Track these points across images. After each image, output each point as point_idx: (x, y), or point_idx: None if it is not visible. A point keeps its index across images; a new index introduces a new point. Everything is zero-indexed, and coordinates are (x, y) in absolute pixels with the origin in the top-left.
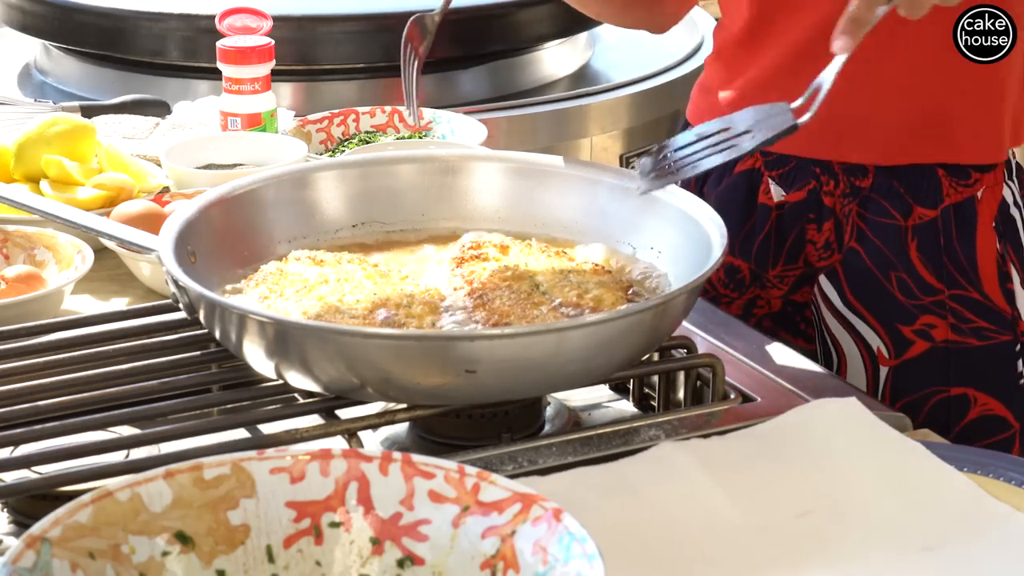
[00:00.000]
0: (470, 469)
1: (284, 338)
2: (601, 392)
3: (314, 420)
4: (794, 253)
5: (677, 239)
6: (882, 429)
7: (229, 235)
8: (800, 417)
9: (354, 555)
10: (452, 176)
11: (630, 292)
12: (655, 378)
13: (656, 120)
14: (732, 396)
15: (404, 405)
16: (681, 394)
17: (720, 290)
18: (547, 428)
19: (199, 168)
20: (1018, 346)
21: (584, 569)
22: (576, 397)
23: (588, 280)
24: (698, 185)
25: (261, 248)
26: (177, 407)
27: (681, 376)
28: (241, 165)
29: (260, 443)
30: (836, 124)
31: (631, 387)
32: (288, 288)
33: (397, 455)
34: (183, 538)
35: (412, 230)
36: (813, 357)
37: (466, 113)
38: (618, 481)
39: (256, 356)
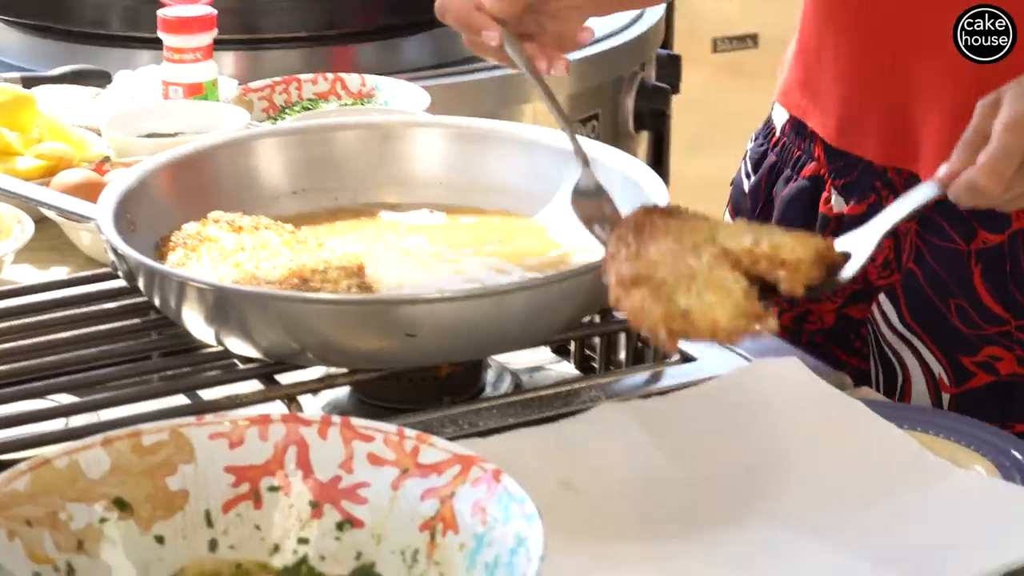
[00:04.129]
0: (409, 432)
1: (223, 304)
2: (542, 354)
3: (254, 386)
4: None
5: (619, 201)
6: (823, 387)
7: (169, 203)
8: (740, 377)
9: (293, 519)
10: (393, 142)
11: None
12: (596, 340)
13: (599, 86)
14: (673, 356)
15: (345, 369)
16: (623, 355)
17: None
18: (488, 391)
19: (140, 137)
20: None
21: (523, 529)
22: (517, 360)
23: (776, 232)
24: (768, 183)
25: (201, 216)
26: (117, 374)
27: (622, 337)
28: (182, 134)
29: (199, 409)
30: (908, 135)
31: (572, 349)
32: (205, 255)
33: (336, 419)
34: (121, 504)
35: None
36: (867, 377)
37: (409, 80)
38: (557, 442)
39: (196, 323)
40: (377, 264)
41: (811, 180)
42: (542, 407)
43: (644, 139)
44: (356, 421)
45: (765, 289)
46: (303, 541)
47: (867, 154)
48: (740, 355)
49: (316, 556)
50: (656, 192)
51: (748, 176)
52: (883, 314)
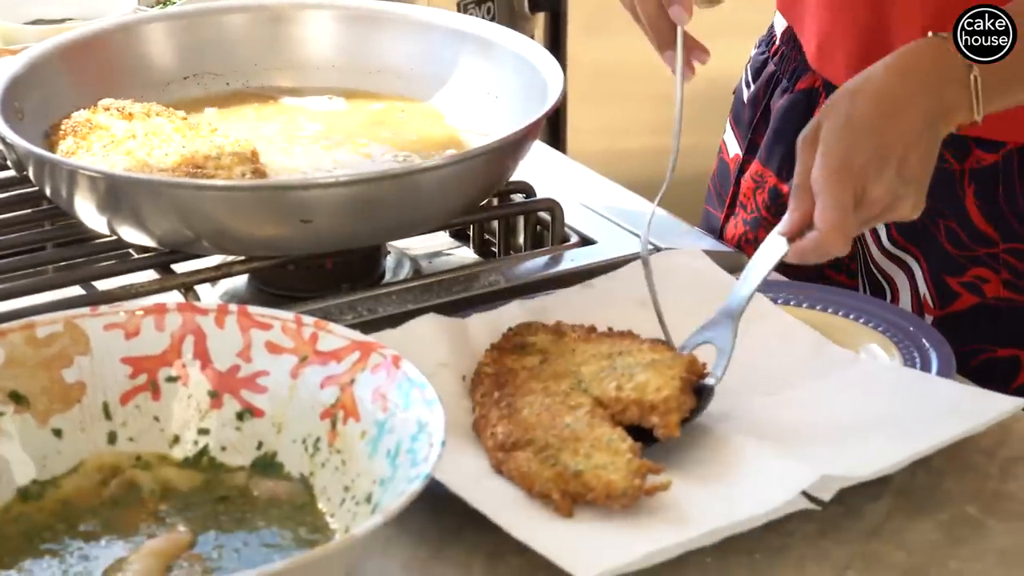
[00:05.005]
0: (307, 319)
1: (116, 193)
2: (441, 240)
3: (150, 275)
4: None
5: (514, 83)
6: (727, 280)
7: (58, 91)
8: (641, 269)
9: (192, 409)
10: (284, 25)
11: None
12: (495, 224)
13: None
14: (572, 239)
15: (241, 257)
16: (521, 239)
17: (763, 212)
18: (387, 277)
19: (27, 24)
20: None
21: (424, 415)
22: (417, 245)
23: (636, 363)
24: (767, 92)
25: (91, 104)
26: (9, 266)
27: (521, 221)
28: (70, 20)
29: (94, 300)
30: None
31: (471, 234)
32: (96, 143)
33: (233, 307)
34: (17, 397)
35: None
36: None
37: None
38: (464, 337)
39: (88, 212)
40: (272, 150)
41: (805, 92)
42: (441, 292)
43: (540, 21)
44: (253, 309)
45: (643, 433)
46: (203, 432)
47: (838, 80)
48: (639, 237)
49: (217, 447)
50: (552, 75)
51: (748, 85)
52: (873, 230)
